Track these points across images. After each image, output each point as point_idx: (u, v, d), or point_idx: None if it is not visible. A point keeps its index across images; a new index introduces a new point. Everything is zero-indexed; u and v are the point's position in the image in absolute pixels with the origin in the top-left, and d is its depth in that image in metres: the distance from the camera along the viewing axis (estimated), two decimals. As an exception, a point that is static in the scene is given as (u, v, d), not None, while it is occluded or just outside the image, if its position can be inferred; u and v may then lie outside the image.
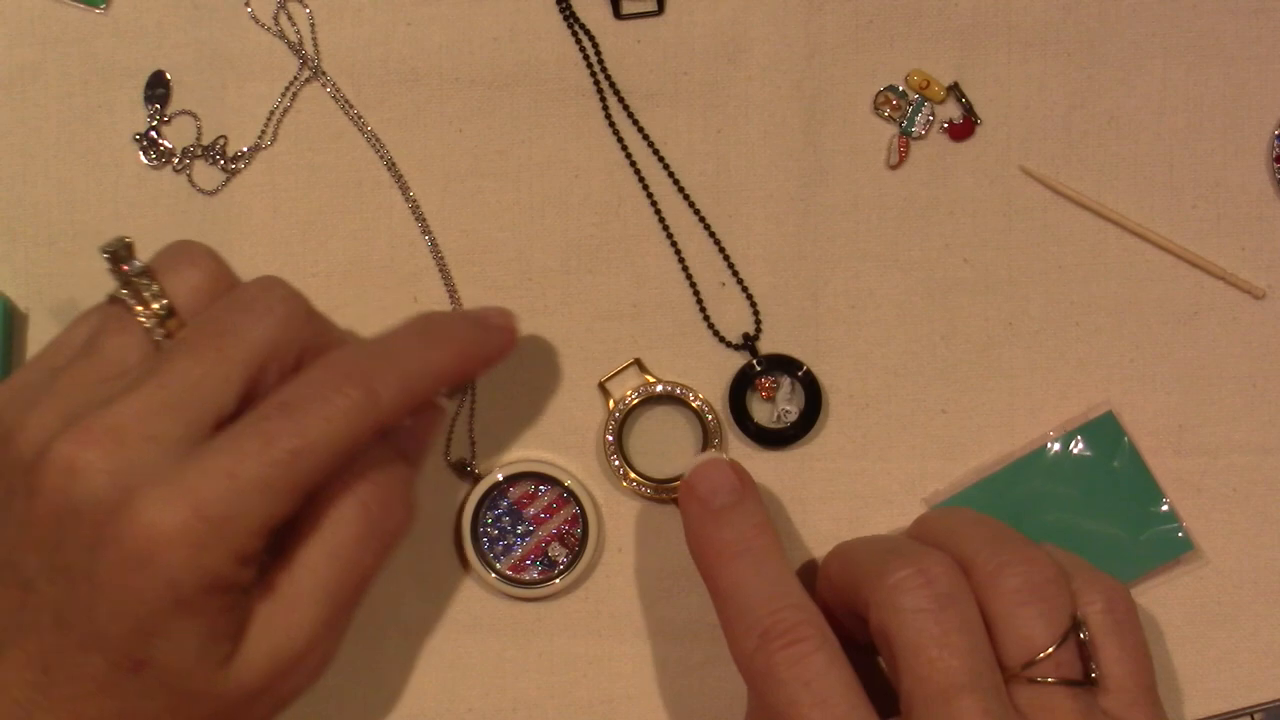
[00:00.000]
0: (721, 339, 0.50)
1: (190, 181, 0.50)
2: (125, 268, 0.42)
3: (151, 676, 0.38)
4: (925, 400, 0.49)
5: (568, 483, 0.49)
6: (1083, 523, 0.49)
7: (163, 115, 0.50)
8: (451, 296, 0.50)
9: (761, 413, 0.49)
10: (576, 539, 0.49)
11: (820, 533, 0.49)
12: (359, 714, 0.49)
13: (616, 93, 0.50)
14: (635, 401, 0.49)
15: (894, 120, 0.50)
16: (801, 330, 0.50)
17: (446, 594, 0.49)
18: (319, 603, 0.41)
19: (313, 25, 0.50)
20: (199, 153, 0.50)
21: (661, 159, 0.50)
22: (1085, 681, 0.41)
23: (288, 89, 0.50)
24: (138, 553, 0.38)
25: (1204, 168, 0.50)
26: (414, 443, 0.46)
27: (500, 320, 0.46)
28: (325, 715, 0.49)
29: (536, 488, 0.49)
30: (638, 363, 0.50)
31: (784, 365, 0.49)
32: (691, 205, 0.50)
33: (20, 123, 0.50)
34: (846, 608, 0.44)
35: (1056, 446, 0.49)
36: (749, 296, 0.50)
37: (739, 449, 0.50)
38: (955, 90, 0.50)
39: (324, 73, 0.50)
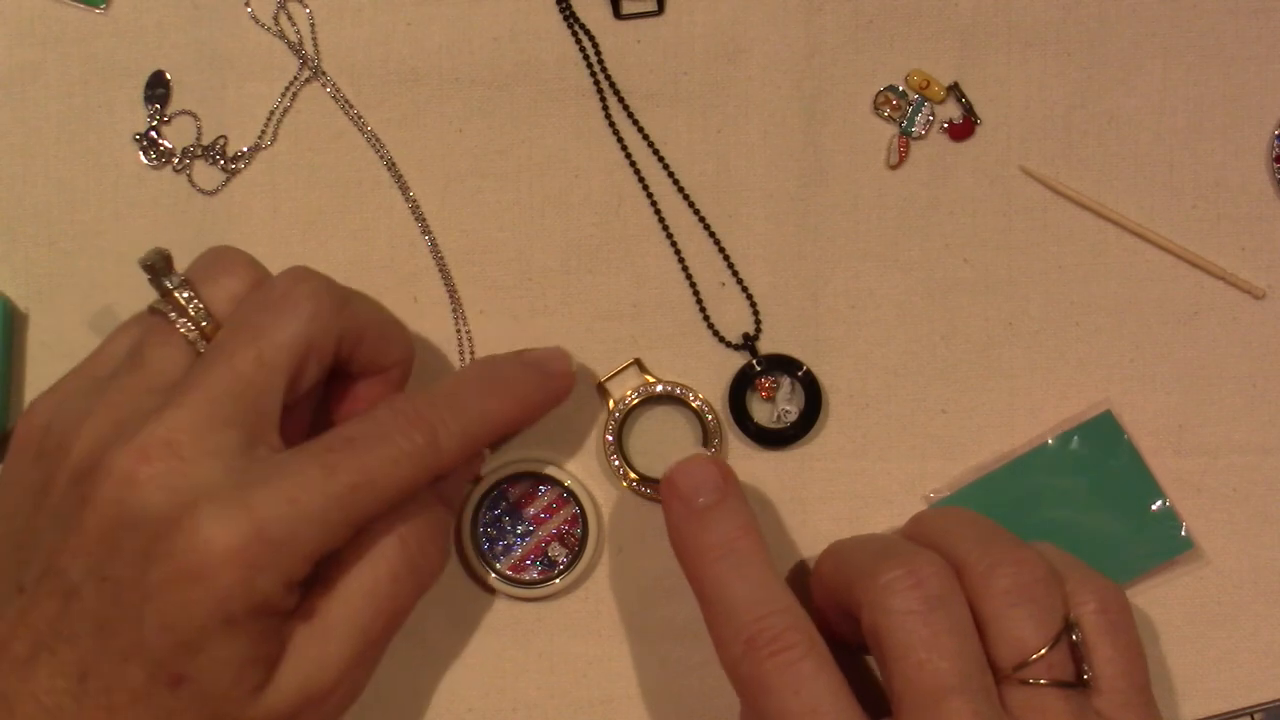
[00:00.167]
0: (721, 339, 0.50)
1: (190, 181, 0.50)
2: (165, 281, 0.42)
3: (187, 694, 0.38)
4: (925, 400, 0.49)
5: (568, 483, 0.49)
6: (1082, 521, 0.49)
7: (163, 115, 0.50)
8: (451, 296, 0.50)
9: (761, 413, 0.49)
10: (576, 539, 0.49)
11: (820, 533, 0.49)
12: (359, 714, 0.49)
13: (616, 93, 0.50)
14: (635, 401, 0.49)
15: (894, 120, 0.50)
16: (801, 330, 0.50)
17: (446, 594, 0.49)
18: (351, 637, 0.41)
19: (313, 25, 0.50)
20: (199, 153, 0.50)
21: (661, 159, 0.50)
22: (1077, 683, 0.41)
23: (288, 89, 0.50)
24: (193, 566, 0.38)
25: (1204, 168, 0.50)
26: (454, 488, 0.47)
27: (559, 364, 0.47)
28: (325, 715, 0.49)
29: (536, 488, 0.49)
30: (637, 363, 0.50)
31: (784, 365, 0.49)
32: (691, 205, 0.50)
33: (20, 123, 0.50)
34: (839, 608, 0.44)
35: (1056, 445, 0.49)
36: (749, 296, 0.50)
37: (739, 449, 0.50)
38: (955, 90, 0.50)
39: (324, 73, 0.50)
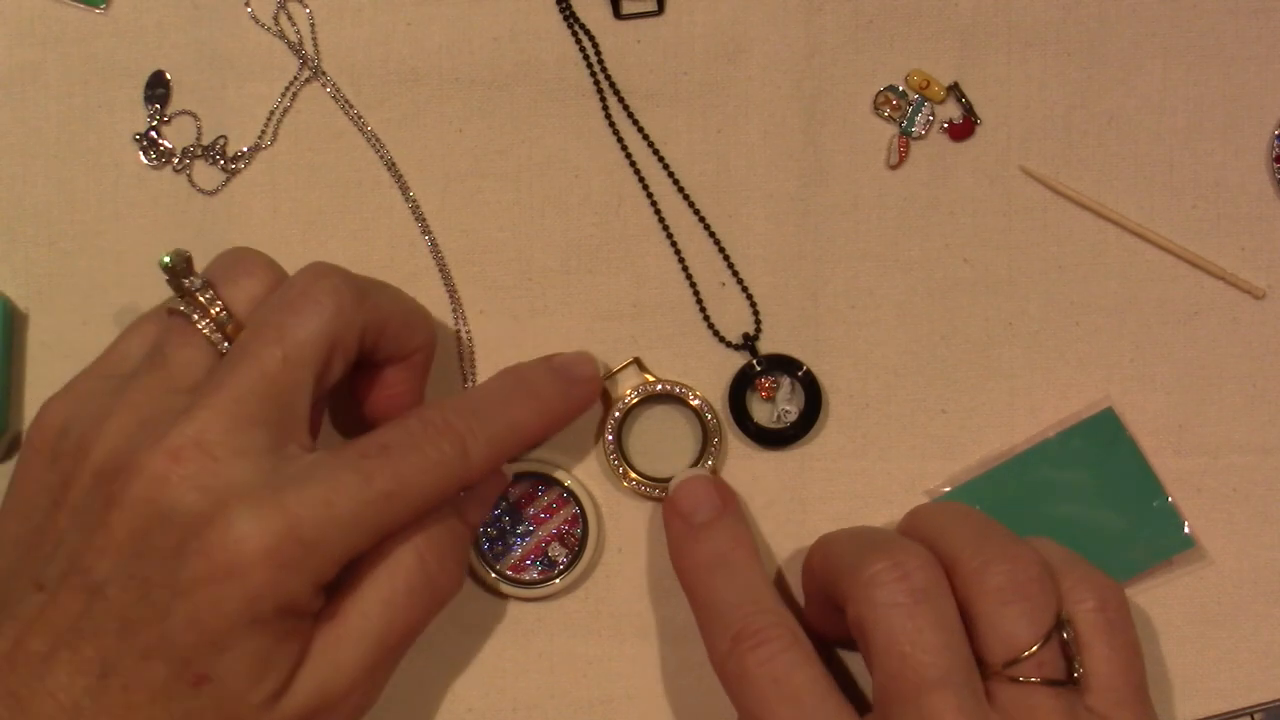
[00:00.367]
0: (721, 339, 0.50)
1: (190, 181, 0.50)
2: (186, 282, 0.42)
3: (207, 695, 0.39)
4: (925, 400, 0.49)
5: (568, 483, 0.49)
6: (1084, 517, 0.49)
7: (163, 115, 0.50)
8: (451, 297, 0.50)
9: (761, 413, 0.49)
10: (576, 539, 0.49)
11: (820, 532, 0.49)
12: (359, 714, 0.49)
13: (616, 93, 0.50)
14: (635, 401, 0.49)
15: (894, 120, 0.50)
16: (801, 330, 0.50)
17: (446, 594, 0.49)
18: (366, 646, 0.41)
19: (313, 25, 0.50)
20: (199, 153, 0.50)
21: (661, 159, 0.50)
22: (1068, 681, 0.41)
23: (288, 89, 0.50)
24: (225, 564, 0.38)
25: (1204, 168, 0.50)
26: (474, 504, 0.47)
27: (585, 371, 0.47)
28: (325, 715, 0.49)
29: (536, 488, 0.49)
30: (637, 362, 0.50)
31: (784, 365, 0.49)
32: (691, 205, 0.50)
33: (20, 123, 0.50)
34: (829, 601, 0.44)
35: (1057, 441, 0.49)
36: (749, 296, 0.50)
37: (739, 449, 0.50)
38: (955, 90, 0.50)
39: (324, 73, 0.50)
